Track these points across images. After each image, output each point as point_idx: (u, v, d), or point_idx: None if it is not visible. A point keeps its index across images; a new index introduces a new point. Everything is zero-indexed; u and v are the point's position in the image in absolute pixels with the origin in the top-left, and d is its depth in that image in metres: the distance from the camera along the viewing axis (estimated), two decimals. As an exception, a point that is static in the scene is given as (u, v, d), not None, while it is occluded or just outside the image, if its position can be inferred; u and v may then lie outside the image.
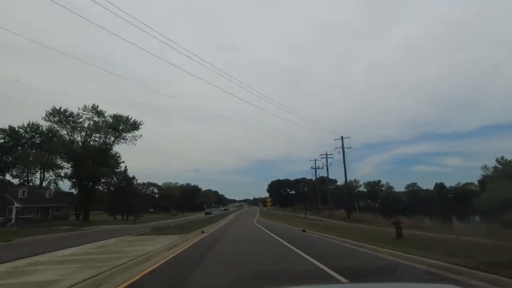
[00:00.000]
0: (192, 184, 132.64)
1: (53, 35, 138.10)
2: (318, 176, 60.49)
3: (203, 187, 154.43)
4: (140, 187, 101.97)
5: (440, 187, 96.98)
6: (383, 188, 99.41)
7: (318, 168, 56.68)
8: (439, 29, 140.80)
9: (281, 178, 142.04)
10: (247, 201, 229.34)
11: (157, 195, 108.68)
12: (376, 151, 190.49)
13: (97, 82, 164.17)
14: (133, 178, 49.64)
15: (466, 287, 4.21)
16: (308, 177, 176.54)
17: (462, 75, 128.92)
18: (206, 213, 67.60)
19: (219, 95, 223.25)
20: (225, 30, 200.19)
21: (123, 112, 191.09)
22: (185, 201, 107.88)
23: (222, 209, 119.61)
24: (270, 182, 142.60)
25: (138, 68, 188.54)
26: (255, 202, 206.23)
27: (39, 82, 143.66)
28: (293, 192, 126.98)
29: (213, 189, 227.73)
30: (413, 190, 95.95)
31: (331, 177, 61.00)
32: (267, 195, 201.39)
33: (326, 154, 52.28)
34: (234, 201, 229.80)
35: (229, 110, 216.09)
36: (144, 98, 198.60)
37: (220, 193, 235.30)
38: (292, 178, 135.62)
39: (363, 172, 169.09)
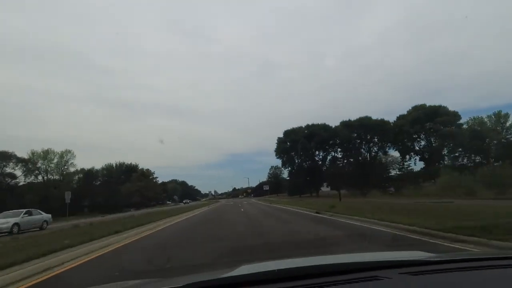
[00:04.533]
0: (127, 163, 74.31)
1: None
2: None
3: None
4: None
5: None
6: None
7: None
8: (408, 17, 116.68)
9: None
10: (226, 193, 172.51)
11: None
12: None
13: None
14: None
15: (433, 252, 3.04)
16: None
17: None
18: None
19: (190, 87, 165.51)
20: (190, 16, 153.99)
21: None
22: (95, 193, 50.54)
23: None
24: (282, 135, 71.73)
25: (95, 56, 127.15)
26: (236, 194, 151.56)
27: None
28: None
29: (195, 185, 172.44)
30: None
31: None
32: (251, 185, 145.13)
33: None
34: (207, 195, 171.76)
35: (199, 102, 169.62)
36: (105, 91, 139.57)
37: (190, 185, 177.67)
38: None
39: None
